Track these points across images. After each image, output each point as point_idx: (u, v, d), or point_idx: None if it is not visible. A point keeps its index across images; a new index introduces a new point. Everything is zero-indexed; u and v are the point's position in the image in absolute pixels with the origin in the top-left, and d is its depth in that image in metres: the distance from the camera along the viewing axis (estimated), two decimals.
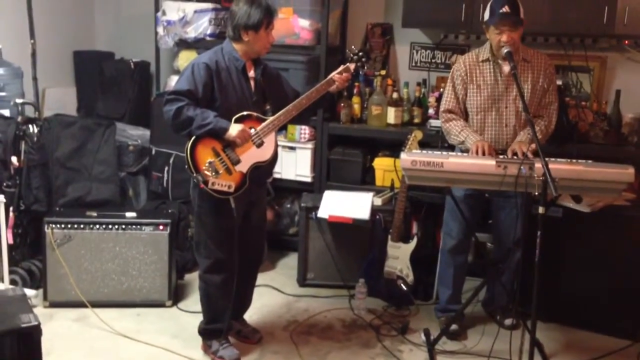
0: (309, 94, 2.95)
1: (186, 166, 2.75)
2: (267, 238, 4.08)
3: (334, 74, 3.00)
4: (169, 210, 3.85)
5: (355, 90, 4.23)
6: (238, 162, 2.79)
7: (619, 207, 3.39)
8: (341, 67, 3.06)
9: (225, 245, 2.91)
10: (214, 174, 2.73)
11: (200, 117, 2.69)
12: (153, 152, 4.29)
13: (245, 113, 2.80)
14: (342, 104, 4.20)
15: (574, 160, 2.93)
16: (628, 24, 3.57)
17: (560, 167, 2.81)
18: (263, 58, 3.00)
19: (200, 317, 3.16)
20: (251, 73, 2.90)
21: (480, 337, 3.35)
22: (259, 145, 2.83)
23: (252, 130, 2.81)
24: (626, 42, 3.92)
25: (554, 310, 3.52)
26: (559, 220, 3.38)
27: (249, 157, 2.82)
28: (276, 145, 2.97)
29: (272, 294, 3.86)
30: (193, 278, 3.86)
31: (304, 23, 4.10)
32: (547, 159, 2.69)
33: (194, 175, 2.73)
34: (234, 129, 2.73)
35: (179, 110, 2.68)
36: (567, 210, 3.37)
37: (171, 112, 2.69)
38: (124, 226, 3.52)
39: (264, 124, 2.84)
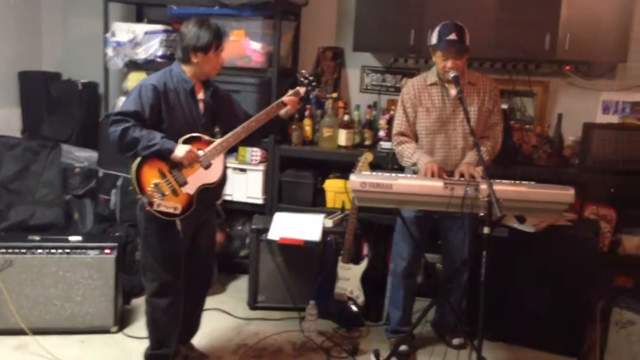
0: (258, 116, 2.95)
1: (130, 187, 2.70)
2: (217, 260, 4.07)
3: (283, 99, 3.02)
4: (116, 234, 3.77)
5: (306, 113, 4.26)
6: (185, 183, 2.76)
7: (561, 226, 3.49)
8: (291, 91, 3.09)
9: (171, 268, 2.86)
10: (159, 195, 2.70)
11: (147, 137, 2.65)
12: (101, 174, 4.21)
13: (193, 135, 2.78)
14: (294, 126, 4.21)
15: (518, 182, 3.02)
16: (569, 50, 3.70)
17: (504, 188, 2.88)
18: (213, 80, 2.99)
19: (146, 343, 3.08)
20: (200, 95, 2.89)
21: (430, 357, 3.38)
22: (207, 167, 2.81)
23: (200, 152, 2.78)
24: (567, 67, 4.07)
25: (501, 329, 3.56)
26: (505, 241, 3.45)
27: (196, 178, 2.79)
28: (225, 167, 2.95)
29: (222, 318, 3.81)
30: (140, 302, 3.75)
31: (256, 46, 4.11)
32: (492, 180, 2.76)
33: (139, 196, 2.69)
34: (181, 150, 2.70)
35: (125, 131, 2.64)
36: (512, 231, 3.45)
37: (117, 133, 2.65)
38: (67, 250, 3.43)
39: (212, 146, 2.82)
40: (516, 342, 3.59)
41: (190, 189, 2.78)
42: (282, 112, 3.01)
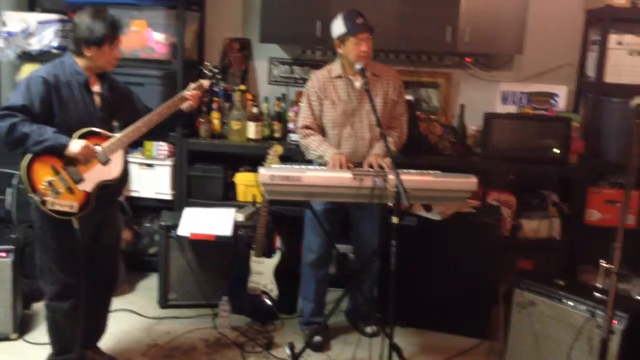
0: (159, 110, 2.86)
1: (21, 185, 2.54)
2: (124, 259, 3.95)
3: (184, 92, 2.93)
4: (12, 235, 3.54)
5: (214, 106, 4.17)
6: (81, 180, 2.63)
7: (465, 213, 3.60)
8: (194, 84, 3.01)
9: (71, 269, 2.72)
10: (53, 193, 2.56)
11: (37, 133, 2.50)
12: None
13: (89, 129, 2.65)
14: (202, 120, 4.12)
15: (424, 172, 3.08)
16: (469, 42, 3.81)
17: (411, 178, 2.94)
18: (115, 71, 2.86)
19: (49, 349, 2.94)
20: (96, 88, 2.75)
21: (343, 346, 3.42)
22: (105, 163, 2.69)
23: (98, 147, 2.66)
24: (468, 59, 4.20)
25: (412, 315, 3.65)
26: (413, 229, 3.53)
27: (94, 175, 2.66)
28: (125, 163, 2.83)
29: (131, 318, 3.68)
30: (42, 307, 3.57)
31: (159, 37, 3.98)
32: (399, 170, 2.81)
33: (30, 195, 2.54)
34: (76, 146, 2.57)
35: (13, 126, 2.48)
36: (420, 219, 3.54)
37: (4, 129, 2.48)
38: None
39: (110, 141, 2.70)
40: (427, 327, 3.69)
41: (87, 186, 2.65)
42: (184, 106, 2.93)
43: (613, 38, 3.70)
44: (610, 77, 3.73)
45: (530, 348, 3.12)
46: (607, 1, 3.67)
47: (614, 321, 2.77)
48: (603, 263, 2.04)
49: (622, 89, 3.68)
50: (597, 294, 2.84)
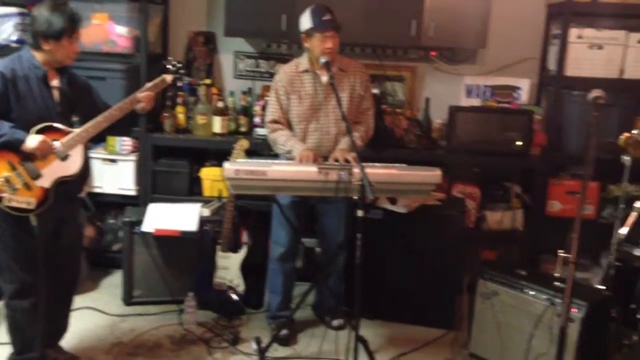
0: (121, 104, 2.82)
1: None
2: (87, 256, 3.89)
3: (138, 94, 2.89)
4: None
5: (179, 100, 4.13)
6: (38, 176, 2.58)
7: (431, 206, 3.64)
8: (156, 79, 2.98)
9: (30, 267, 2.67)
10: (10, 189, 2.50)
11: None
12: None
13: (47, 124, 2.59)
14: (166, 114, 4.08)
15: (389, 165, 3.11)
16: (433, 37, 3.84)
17: (376, 171, 2.96)
18: (76, 65, 2.81)
19: (10, 349, 2.88)
20: (54, 82, 2.70)
21: (310, 340, 3.43)
22: (64, 159, 2.64)
23: (56, 143, 2.60)
24: (433, 53, 4.23)
25: (379, 308, 3.68)
26: (379, 222, 3.55)
27: (52, 171, 2.61)
28: (86, 159, 2.78)
29: (94, 316, 3.63)
30: (2, 306, 3.50)
31: (121, 30, 3.92)
32: (364, 164, 2.82)
33: None
34: (33, 141, 2.51)
35: None
36: (386, 212, 3.56)
37: None
38: None
39: (69, 136, 2.64)
40: (393, 319, 3.72)
41: (45, 182, 2.60)
42: (138, 107, 2.88)
43: (573, 32, 3.77)
44: (571, 71, 3.81)
45: (494, 337, 3.17)
46: None
47: (573, 309, 2.84)
48: (561, 253, 2.08)
49: (582, 82, 3.76)
50: (557, 284, 2.89)
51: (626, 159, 3.09)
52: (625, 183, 3.14)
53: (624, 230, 3.03)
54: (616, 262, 3.21)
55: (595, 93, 2.33)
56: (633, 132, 1.76)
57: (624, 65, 3.76)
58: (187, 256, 3.73)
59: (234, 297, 3.59)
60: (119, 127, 2.88)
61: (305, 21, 3.20)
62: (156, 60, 4.11)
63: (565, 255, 2.06)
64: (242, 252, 3.62)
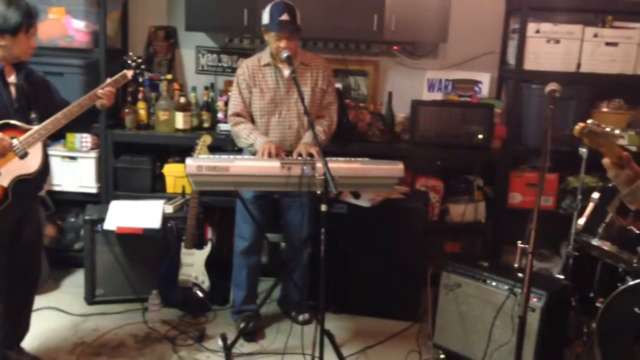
0: (81, 101, 2.76)
1: None
2: (48, 255, 3.82)
3: (98, 90, 2.84)
4: None
5: (140, 96, 4.07)
6: None
7: (395, 199, 3.67)
8: (117, 75, 2.93)
9: None
10: None
11: None
12: None
13: (4, 121, 2.53)
14: (127, 110, 4.02)
15: (352, 159, 3.12)
16: (395, 31, 3.86)
17: (339, 165, 2.96)
18: (33, 61, 2.76)
19: None
20: (11, 78, 2.64)
21: (276, 335, 3.43)
22: (23, 157, 2.57)
23: (14, 140, 2.54)
24: (395, 47, 4.26)
25: (344, 301, 3.71)
26: (344, 216, 3.57)
27: (10, 169, 2.55)
28: (45, 156, 2.72)
29: (57, 316, 3.57)
30: None
31: (79, 24, 3.85)
32: (327, 158, 2.82)
33: None
34: None
35: None
36: (351, 206, 3.57)
37: None
38: None
39: (27, 134, 2.58)
40: (359, 313, 3.74)
41: (3, 180, 2.53)
42: (97, 104, 2.83)
43: (531, 26, 3.83)
44: (529, 65, 3.87)
45: (457, 328, 3.22)
46: None
47: (534, 299, 2.90)
48: (520, 244, 2.12)
49: (540, 75, 3.82)
50: (519, 274, 2.94)
51: (583, 150, 3.17)
52: (582, 174, 3.23)
53: (581, 221, 3.11)
54: (575, 252, 3.29)
55: (551, 86, 2.38)
56: (588, 121, 1.80)
57: (581, 59, 3.84)
58: (150, 254, 3.69)
59: (199, 294, 3.57)
60: (78, 124, 2.83)
61: (265, 16, 3.20)
62: (116, 55, 4.04)
63: (523, 246, 2.10)
64: (207, 249, 3.60)
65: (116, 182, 4.06)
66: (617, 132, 1.78)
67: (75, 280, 4.01)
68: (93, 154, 4.02)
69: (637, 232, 2.94)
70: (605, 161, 1.83)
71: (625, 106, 3.98)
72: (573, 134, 1.82)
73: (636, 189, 1.76)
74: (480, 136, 3.94)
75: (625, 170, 1.78)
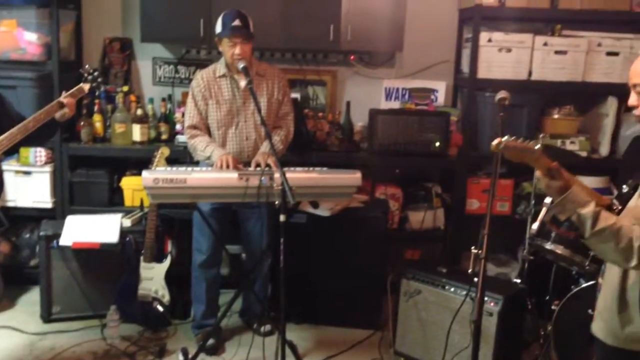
0: (36, 116, 2.73)
1: None
2: (3, 273, 3.73)
3: (62, 98, 2.80)
4: None
5: (96, 108, 4.02)
6: None
7: (354, 208, 3.69)
8: (73, 89, 2.90)
9: None
10: None
11: None
12: None
13: None
14: (83, 123, 3.96)
15: (310, 169, 3.13)
16: (351, 41, 3.90)
17: (296, 175, 2.97)
18: None
19: None
20: None
21: (238, 348, 3.40)
22: None
23: None
24: (352, 57, 4.29)
25: (306, 311, 3.70)
26: (304, 226, 3.57)
27: None
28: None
29: (11, 335, 3.48)
30: None
31: (31, 37, 3.78)
32: (285, 168, 2.83)
33: None
34: None
35: None
36: (310, 216, 3.58)
37: None
38: None
39: None
40: (321, 322, 3.74)
41: None
42: (58, 114, 2.79)
43: (484, 36, 3.91)
44: (483, 73, 3.95)
45: (418, 334, 3.25)
46: (478, 0, 3.86)
47: (491, 303, 2.95)
48: (473, 249, 2.16)
49: (493, 83, 3.90)
50: (475, 279, 2.99)
51: None
52: (535, 180, 3.30)
53: (535, 225, 3.17)
54: (530, 256, 3.36)
55: (501, 94, 2.44)
56: (504, 138, 1.82)
57: (532, 67, 3.93)
58: (108, 269, 3.62)
59: (159, 308, 3.52)
60: (35, 138, 2.78)
61: (217, 25, 3.21)
62: (70, 67, 3.99)
63: (476, 251, 2.14)
64: (167, 262, 3.56)
65: (72, 197, 3.99)
66: (537, 147, 1.81)
67: (31, 298, 3.92)
68: (48, 169, 3.95)
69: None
70: (537, 173, 1.87)
71: (575, 112, 4.09)
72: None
73: (564, 200, 1.80)
74: (438, 144, 3.99)
75: (556, 181, 1.82)
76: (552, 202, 1.85)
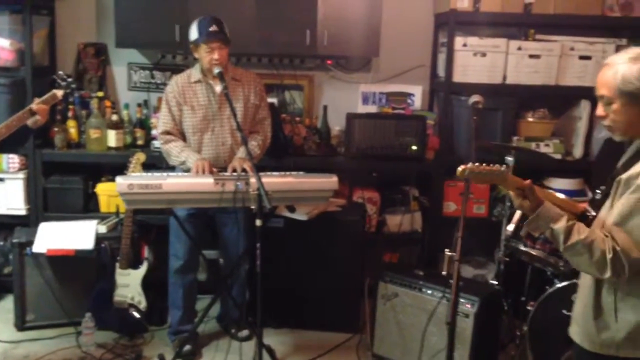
0: (8, 122, 2.70)
1: None
2: None
3: (33, 105, 2.77)
4: None
5: (70, 114, 3.98)
6: None
7: (332, 212, 3.69)
8: (46, 95, 2.87)
9: None
10: None
11: None
12: None
13: None
14: (57, 129, 3.91)
15: (286, 173, 3.13)
16: (327, 46, 3.90)
17: (272, 180, 2.97)
18: None
19: None
20: None
21: (215, 353, 3.38)
22: None
23: None
24: (329, 61, 4.30)
25: (284, 316, 3.70)
26: (281, 230, 3.57)
27: None
28: None
29: None
30: None
31: (4, 42, 3.74)
32: (261, 173, 2.83)
33: None
34: None
35: None
36: (288, 220, 3.57)
37: None
38: None
39: None
40: (299, 326, 3.74)
41: None
42: (30, 121, 2.76)
43: (459, 40, 3.94)
44: (458, 77, 3.97)
45: (396, 337, 3.26)
46: (452, 5, 3.90)
47: (467, 305, 2.97)
48: (447, 252, 2.18)
49: (468, 87, 3.91)
50: (450, 281, 3.01)
51: (509, 159, 3.27)
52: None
53: (510, 227, 3.20)
54: (506, 257, 3.39)
55: (474, 98, 2.46)
56: (469, 164, 1.84)
57: (506, 71, 3.97)
58: (83, 276, 3.60)
59: (136, 314, 3.50)
60: (8, 144, 2.75)
61: (192, 32, 3.19)
62: (43, 73, 3.95)
63: (450, 253, 2.16)
64: (143, 268, 3.53)
65: (46, 203, 3.94)
66: (502, 168, 1.83)
67: (5, 306, 3.87)
68: (21, 175, 3.90)
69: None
70: (510, 192, 1.90)
71: (549, 116, 4.14)
72: (501, 145, 1.87)
73: (537, 217, 1.82)
74: (414, 147, 4.01)
75: (527, 200, 1.84)
76: (525, 219, 1.87)
